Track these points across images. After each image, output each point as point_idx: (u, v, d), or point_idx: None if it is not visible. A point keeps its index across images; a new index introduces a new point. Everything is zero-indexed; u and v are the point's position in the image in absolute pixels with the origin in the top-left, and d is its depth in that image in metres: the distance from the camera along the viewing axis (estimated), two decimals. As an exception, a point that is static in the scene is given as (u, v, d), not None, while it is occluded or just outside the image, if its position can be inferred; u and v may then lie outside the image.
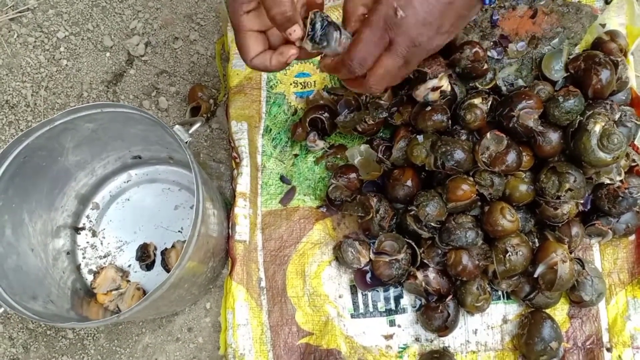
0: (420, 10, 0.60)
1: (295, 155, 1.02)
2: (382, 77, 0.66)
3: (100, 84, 1.08)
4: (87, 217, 1.03)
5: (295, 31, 0.65)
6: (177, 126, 0.77)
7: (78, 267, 1.00)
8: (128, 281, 0.99)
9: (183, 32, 1.10)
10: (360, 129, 0.94)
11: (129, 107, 0.76)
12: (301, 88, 1.03)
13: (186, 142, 0.77)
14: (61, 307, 0.89)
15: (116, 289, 0.97)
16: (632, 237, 0.92)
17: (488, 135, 0.85)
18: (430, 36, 0.63)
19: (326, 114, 0.96)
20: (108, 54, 1.10)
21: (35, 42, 1.10)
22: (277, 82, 1.03)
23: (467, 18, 0.65)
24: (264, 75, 1.03)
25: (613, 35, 0.95)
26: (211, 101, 1.04)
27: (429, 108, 0.89)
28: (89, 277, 0.99)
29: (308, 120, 0.96)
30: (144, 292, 0.98)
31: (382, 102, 0.92)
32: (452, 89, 0.89)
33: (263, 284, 0.96)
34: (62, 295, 0.92)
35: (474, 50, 0.87)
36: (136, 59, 1.09)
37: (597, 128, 0.81)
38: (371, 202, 0.92)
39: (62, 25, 1.11)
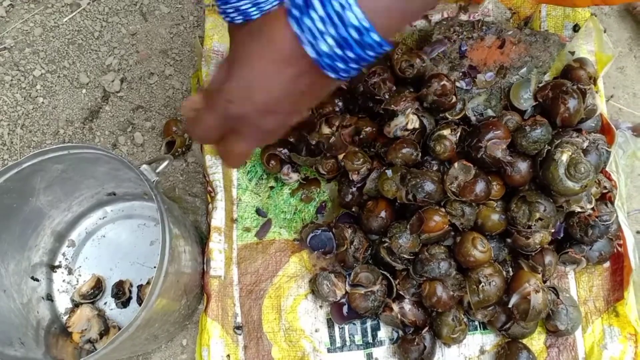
0: (259, 101, 0.54)
1: (271, 188, 1.02)
2: (238, 157, 0.62)
3: (77, 121, 1.09)
4: (63, 254, 1.02)
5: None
6: (144, 166, 0.77)
7: (53, 306, 0.99)
8: (104, 320, 0.98)
9: (158, 68, 1.11)
10: (322, 171, 0.95)
11: (96, 147, 0.77)
12: (275, 121, 1.04)
13: (153, 182, 0.77)
14: (35, 349, 0.88)
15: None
16: (607, 264, 0.92)
17: (456, 165, 0.85)
18: (275, 121, 0.57)
19: (285, 150, 0.97)
20: (84, 91, 1.11)
21: (11, 80, 1.11)
22: (251, 116, 1.03)
23: (314, 96, 0.56)
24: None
25: (582, 62, 0.96)
26: (186, 135, 1.05)
27: (398, 140, 0.89)
28: (64, 316, 0.99)
29: (264, 157, 0.97)
30: (119, 330, 0.97)
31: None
32: (421, 121, 0.90)
33: (239, 319, 0.95)
34: (36, 337, 0.91)
35: (442, 83, 0.88)
36: (112, 95, 1.10)
37: (564, 157, 0.82)
38: (345, 234, 0.92)
39: (39, 63, 1.12)
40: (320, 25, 0.47)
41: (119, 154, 1.04)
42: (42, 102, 1.10)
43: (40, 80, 1.11)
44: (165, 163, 0.80)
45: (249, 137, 0.58)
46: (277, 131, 0.58)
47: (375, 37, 0.47)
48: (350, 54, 0.48)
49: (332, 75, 0.51)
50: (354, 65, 0.50)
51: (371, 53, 0.49)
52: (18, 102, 1.10)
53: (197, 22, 1.13)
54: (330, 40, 0.47)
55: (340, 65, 0.49)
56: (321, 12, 0.46)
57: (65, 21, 1.14)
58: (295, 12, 0.48)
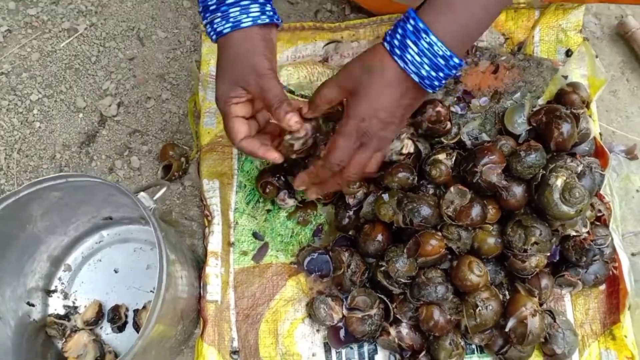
0: (382, 117, 0.72)
1: (268, 211, 1.02)
2: (358, 169, 0.77)
3: (73, 145, 1.09)
4: (59, 279, 1.02)
5: (291, 119, 0.75)
6: (141, 193, 0.77)
7: (48, 331, 0.98)
8: (100, 345, 0.97)
9: (155, 92, 1.12)
10: (319, 197, 0.96)
11: (93, 177, 0.77)
12: (272, 144, 1.04)
13: (150, 209, 0.77)
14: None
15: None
16: (603, 287, 0.92)
17: (452, 189, 0.85)
18: (392, 130, 0.75)
19: (281, 178, 0.98)
20: (81, 115, 1.11)
21: (8, 105, 1.11)
22: (248, 139, 1.04)
23: (416, 105, 0.76)
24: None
25: (575, 87, 0.97)
26: (182, 159, 1.05)
27: (394, 164, 0.90)
28: (60, 341, 0.98)
29: (259, 184, 0.98)
30: (116, 355, 0.96)
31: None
32: (416, 146, 0.91)
33: (235, 344, 0.95)
34: (31, 363, 0.90)
35: (437, 109, 0.89)
36: (109, 119, 1.11)
37: (559, 182, 0.82)
38: (342, 257, 0.92)
39: (36, 87, 1.12)
40: (418, 59, 0.67)
41: (115, 178, 1.05)
42: (39, 127, 1.10)
43: (37, 104, 1.12)
44: (163, 190, 0.81)
45: (371, 146, 0.75)
46: (390, 138, 0.78)
47: (456, 60, 0.68)
48: (441, 74, 0.69)
49: (430, 90, 0.71)
50: (443, 81, 0.70)
51: (454, 71, 0.69)
52: (15, 126, 1.10)
53: (194, 47, 1.14)
54: (427, 67, 0.68)
55: (436, 82, 0.70)
56: (416, 49, 0.67)
57: (63, 46, 1.15)
58: (398, 52, 0.68)
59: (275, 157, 0.81)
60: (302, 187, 0.84)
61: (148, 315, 0.71)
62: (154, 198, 0.79)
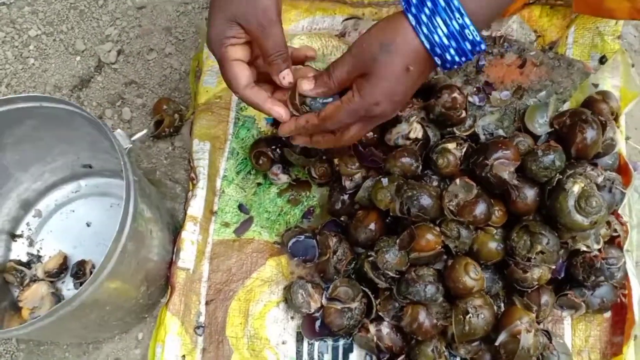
0: (397, 99, 0.66)
1: (258, 184, 0.95)
2: (350, 141, 0.72)
3: (65, 88, 1.03)
4: (27, 224, 0.96)
5: (286, 77, 0.69)
6: (118, 130, 0.70)
7: (6, 277, 0.91)
8: (59, 299, 0.90)
9: (159, 44, 1.05)
10: (314, 175, 0.89)
11: (70, 102, 0.70)
12: (273, 114, 0.97)
13: (126, 149, 0.70)
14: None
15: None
16: (608, 315, 0.84)
17: (457, 181, 0.78)
18: (396, 110, 0.69)
19: (277, 150, 0.91)
20: (78, 58, 1.05)
21: (5, 37, 1.06)
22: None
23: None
24: (235, 95, 0.97)
25: (605, 95, 0.90)
26: (176, 116, 0.98)
27: (398, 148, 0.83)
28: (17, 289, 0.91)
29: (253, 154, 0.91)
30: (72, 313, 0.89)
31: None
32: (425, 131, 0.83)
33: (202, 319, 0.87)
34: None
35: (452, 95, 0.82)
36: (106, 65, 1.04)
37: (576, 188, 0.75)
38: (329, 242, 0.85)
39: (36, 23, 1.06)
40: (446, 41, 0.61)
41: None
42: (33, 64, 1.04)
43: (35, 41, 1.06)
44: (143, 132, 0.74)
45: (373, 123, 0.70)
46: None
47: (483, 46, 0.62)
48: (463, 59, 0.63)
49: (445, 71, 0.71)
50: (461, 65, 0.64)
51: (474, 57, 0.64)
52: (8, 60, 1.04)
53: (206, 4, 1.08)
54: (452, 51, 0.62)
55: (455, 66, 0.64)
56: (445, 31, 0.60)
57: (71, -16, 1.09)
58: (425, 30, 0.61)
59: (281, 114, 0.70)
60: (287, 134, 0.74)
61: (103, 260, 0.64)
62: (132, 139, 0.72)
